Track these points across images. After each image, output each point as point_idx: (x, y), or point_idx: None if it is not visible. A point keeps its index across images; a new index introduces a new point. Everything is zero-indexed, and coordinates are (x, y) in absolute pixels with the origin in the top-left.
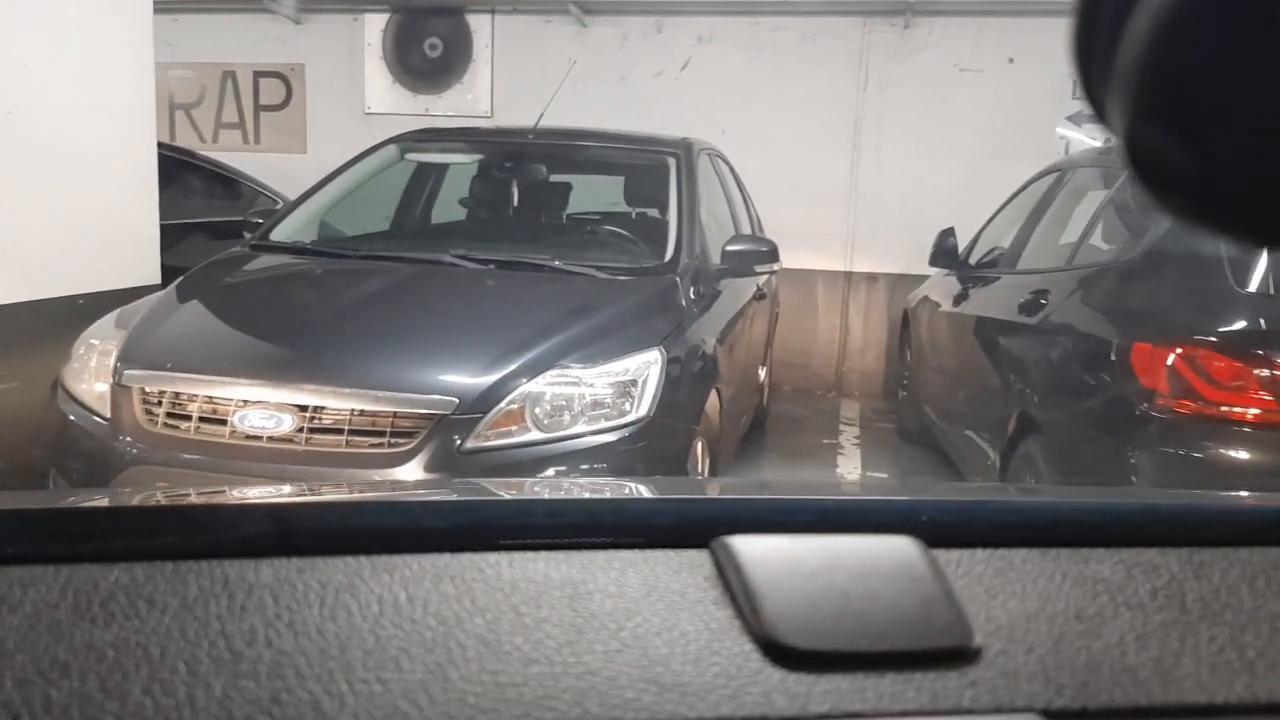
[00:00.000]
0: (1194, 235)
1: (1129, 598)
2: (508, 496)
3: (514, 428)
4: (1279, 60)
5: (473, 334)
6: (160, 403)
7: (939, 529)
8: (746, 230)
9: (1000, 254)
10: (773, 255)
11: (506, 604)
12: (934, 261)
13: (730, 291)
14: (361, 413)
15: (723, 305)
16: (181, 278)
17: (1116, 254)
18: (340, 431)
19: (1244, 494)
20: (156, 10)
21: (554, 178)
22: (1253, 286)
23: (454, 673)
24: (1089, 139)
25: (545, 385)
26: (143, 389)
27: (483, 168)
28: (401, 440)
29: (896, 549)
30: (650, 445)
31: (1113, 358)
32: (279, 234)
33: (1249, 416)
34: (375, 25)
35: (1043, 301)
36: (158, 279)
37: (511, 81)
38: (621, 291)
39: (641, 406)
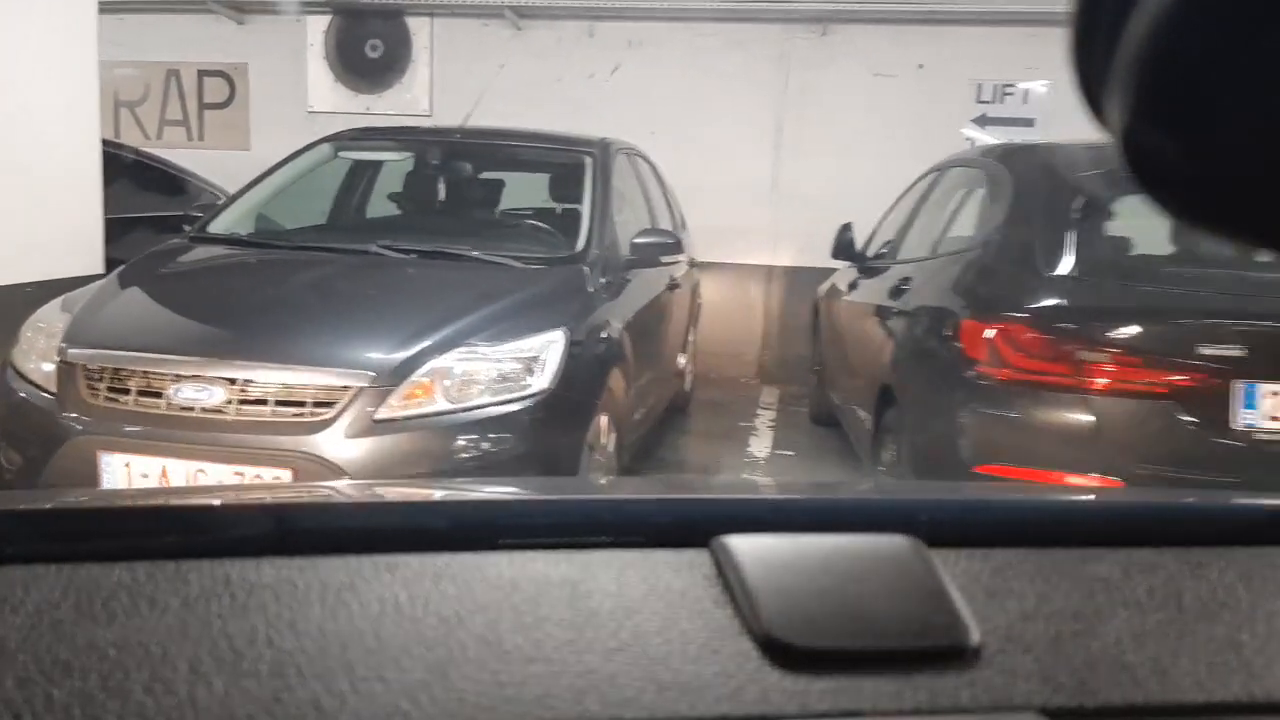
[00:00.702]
0: (1021, 227)
1: (1127, 597)
2: (508, 496)
3: (424, 399)
4: (1278, 60)
5: (390, 316)
6: (102, 378)
7: (938, 528)
8: (666, 224)
9: (887, 246)
10: (677, 247)
11: (507, 603)
12: (835, 254)
13: (640, 281)
14: (285, 385)
15: (631, 293)
16: (123, 266)
17: (964, 244)
18: (266, 403)
19: (1241, 494)
20: (102, 10)
21: (479, 175)
22: (1057, 271)
23: (454, 672)
24: (992, 139)
25: (454, 361)
26: (85, 366)
27: (413, 165)
28: (322, 410)
29: (896, 548)
30: (551, 416)
31: (948, 334)
32: (216, 227)
33: (1051, 380)
34: (317, 26)
35: (905, 288)
36: (101, 269)
37: (451, 81)
38: (532, 278)
39: (543, 381)
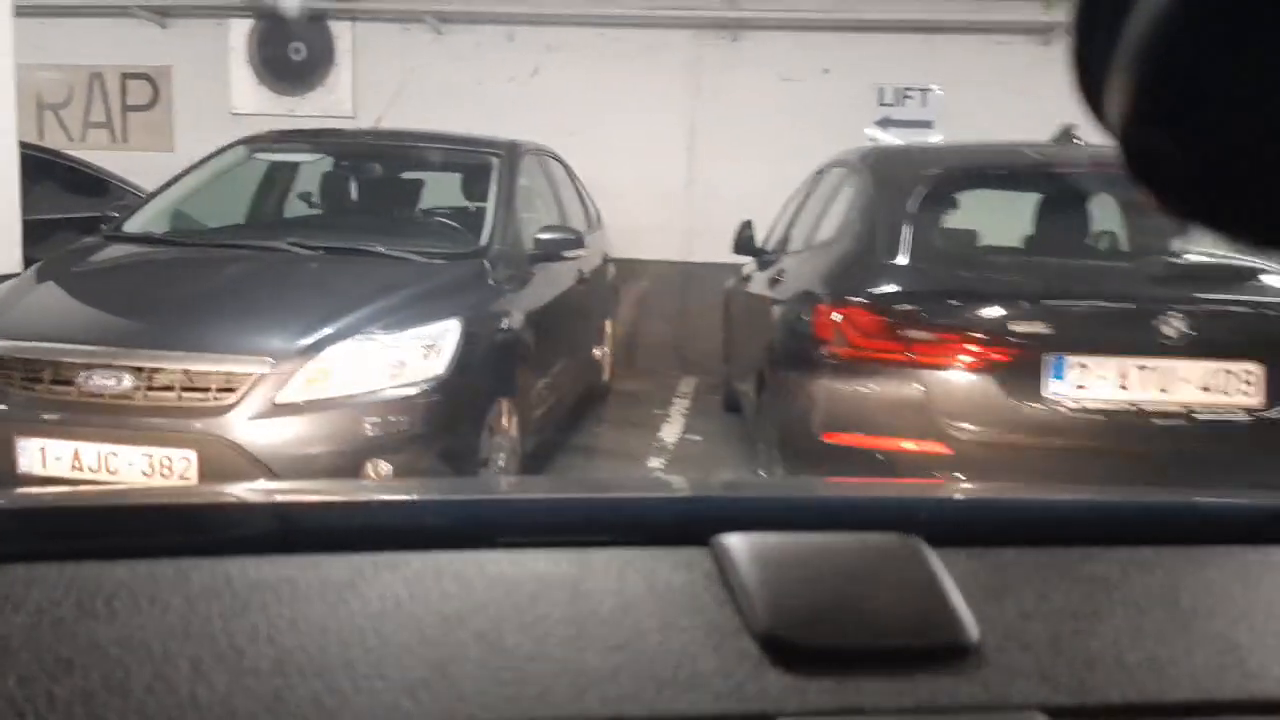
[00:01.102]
0: (868, 221)
1: (1126, 596)
2: (509, 494)
3: (323, 383)
4: (1277, 60)
5: (292, 307)
6: (16, 368)
7: (938, 527)
8: (579, 222)
9: (778, 241)
10: (579, 243)
11: (507, 601)
12: (735, 250)
13: (546, 275)
14: (190, 372)
15: (536, 286)
16: (39, 263)
17: (828, 237)
18: (172, 389)
19: (1240, 493)
20: (24, 14)
21: (390, 175)
22: (894, 260)
23: (455, 669)
24: (894, 140)
25: (352, 348)
26: (1, 356)
27: (326, 166)
28: (225, 395)
29: (896, 547)
30: (448, 400)
31: (805, 318)
32: (131, 226)
33: (886, 357)
34: (240, 30)
35: (779, 279)
36: (19, 268)
37: (374, 84)
38: (434, 272)
39: (439, 367)
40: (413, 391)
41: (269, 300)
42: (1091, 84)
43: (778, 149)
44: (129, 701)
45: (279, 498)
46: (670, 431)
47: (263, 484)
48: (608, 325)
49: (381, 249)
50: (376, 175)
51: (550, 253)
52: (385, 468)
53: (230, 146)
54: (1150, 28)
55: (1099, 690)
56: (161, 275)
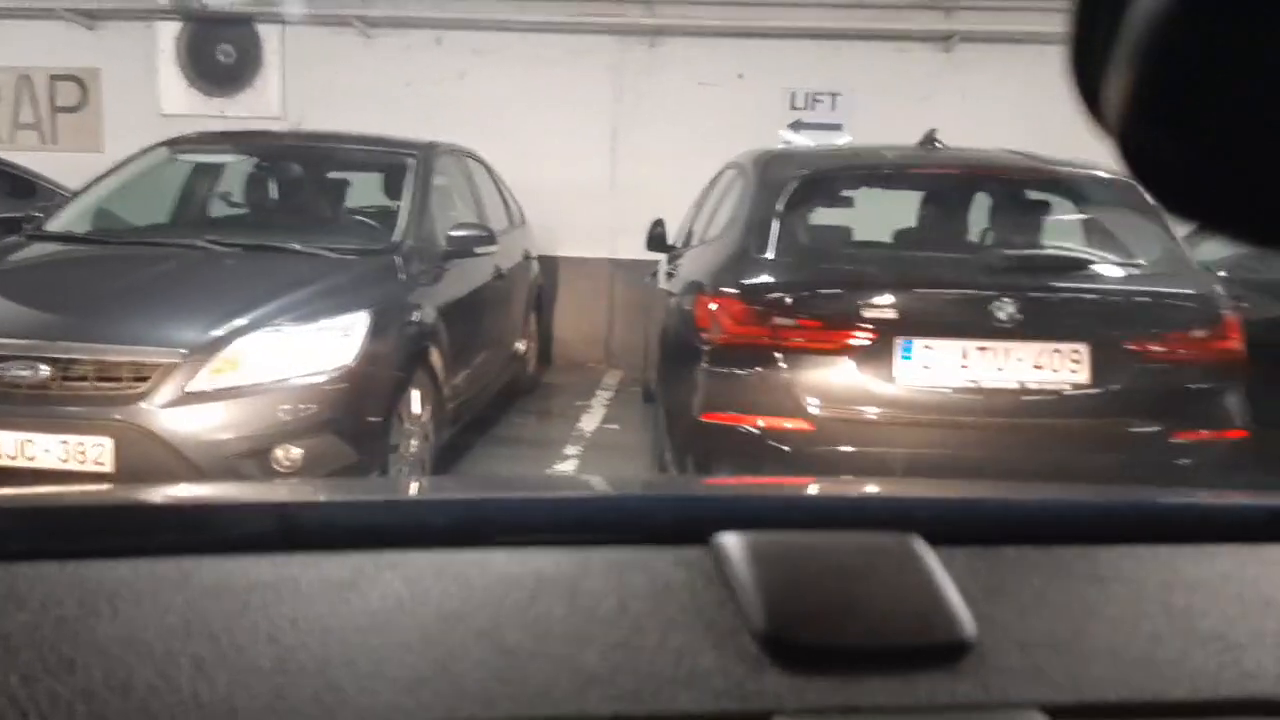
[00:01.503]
0: (747, 217)
1: (1124, 595)
2: (509, 493)
3: (233, 372)
4: (1276, 58)
5: (205, 300)
6: None
7: (937, 526)
8: (501, 220)
9: (684, 238)
10: (491, 239)
11: (508, 600)
12: (648, 247)
13: (460, 270)
14: (104, 362)
15: (449, 281)
16: None
17: (715, 234)
18: (87, 378)
19: (1241, 492)
20: None
21: (309, 174)
22: (764, 254)
23: (456, 668)
24: (806, 142)
25: (262, 338)
26: None
27: (248, 166)
28: (138, 384)
29: (895, 546)
30: (355, 388)
31: (687, 308)
32: (53, 225)
33: (755, 343)
34: (169, 32)
35: (672, 272)
36: None
37: (303, 86)
38: (346, 267)
39: (346, 356)
40: (321, 379)
41: (183, 294)
42: (1088, 84)
43: (696, 150)
44: (131, 700)
45: (280, 497)
46: (590, 421)
47: (264, 483)
48: (532, 320)
49: (296, 246)
50: (295, 175)
51: (463, 249)
52: (295, 452)
53: (152, 148)
54: (1148, 26)
55: (1097, 689)
56: (80, 272)
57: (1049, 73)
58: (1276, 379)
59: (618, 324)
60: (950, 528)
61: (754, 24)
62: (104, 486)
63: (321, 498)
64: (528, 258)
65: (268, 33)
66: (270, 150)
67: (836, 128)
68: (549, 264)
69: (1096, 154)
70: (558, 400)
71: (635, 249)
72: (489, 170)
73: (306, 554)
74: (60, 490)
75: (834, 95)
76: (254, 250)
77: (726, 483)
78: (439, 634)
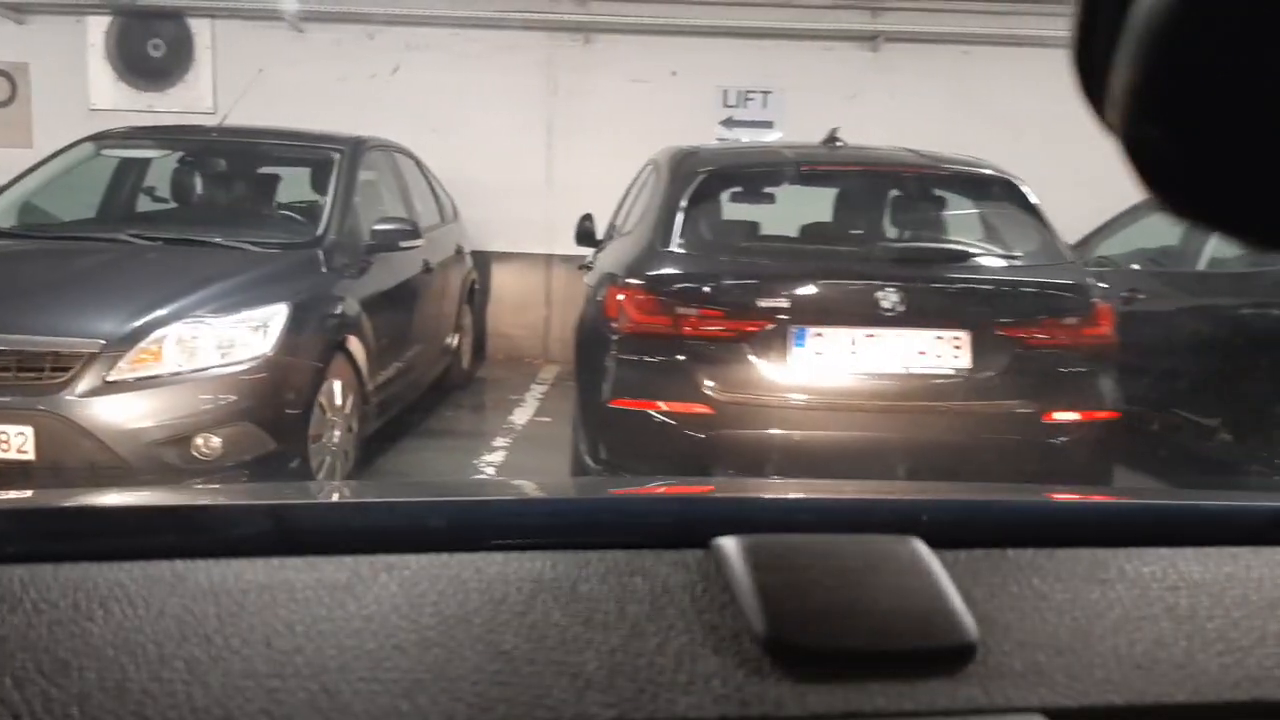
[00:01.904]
0: (656, 211)
1: (1130, 597)
2: (507, 496)
3: (153, 362)
4: (1276, 59)
5: (126, 292)
6: None
7: (939, 529)
8: (432, 215)
9: (609, 232)
10: (415, 234)
11: (506, 603)
12: (577, 241)
13: (385, 264)
14: (24, 353)
15: (374, 274)
16: None
17: (630, 228)
18: (9, 369)
19: (1244, 494)
20: None
21: (234, 169)
22: (669, 247)
23: (453, 672)
24: (739, 139)
25: (181, 329)
26: None
27: (174, 161)
28: (59, 374)
29: (897, 549)
30: (274, 378)
31: (599, 300)
32: None
33: (659, 331)
34: (98, 26)
35: (590, 265)
36: None
37: (235, 80)
38: (267, 260)
39: (265, 347)
40: (239, 370)
41: (105, 287)
42: (1091, 82)
43: (631, 146)
44: (125, 703)
45: (276, 500)
46: (523, 415)
47: (261, 486)
48: (466, 314)
49: (219, 240)
50: (220, 171)
51: (387, 243)
52: (215, 441)
53: (78, 143)
54: (1150, 27)
55: (1099, 692)
56: (3, 265)
57: (972, 72)
58: (1169, 362)
59: (555, 319)
60: (951, 530)
61: (686, 22)
62: (100, 489)
63: (318, 500)
64: (460, 252)
65: (199, 27)
66: (196, 145)
67: (768, 125)
68: (485, 259)
69: (1015, 147)
70: (492, 394)
71: (571, 244)
72: (420, 165)
73: (302, 557)
74: (56, 492)
75: (765, 93)
76: (177, 244)
77: (727, 485)
78: (436, 637)
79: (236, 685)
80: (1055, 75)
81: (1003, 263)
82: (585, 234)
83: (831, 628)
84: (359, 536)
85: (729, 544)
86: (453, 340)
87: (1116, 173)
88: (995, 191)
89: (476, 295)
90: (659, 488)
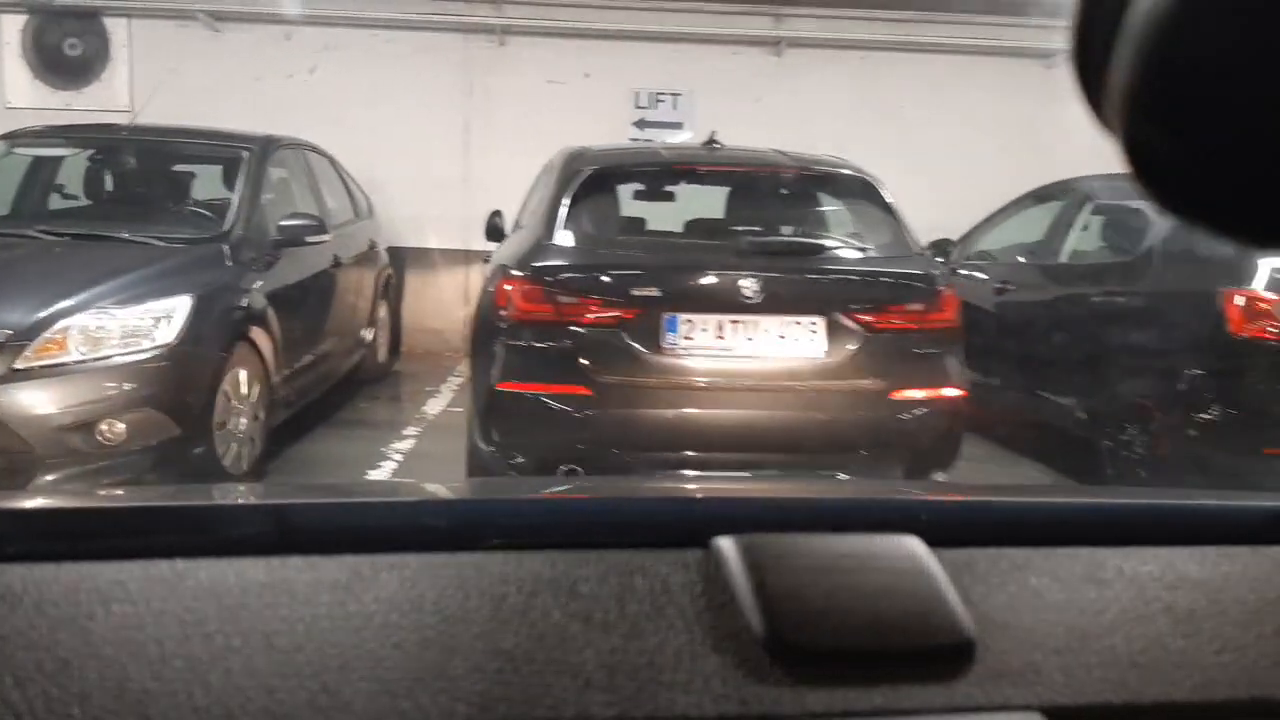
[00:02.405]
0: (545, 207)
1: (1129, 597)
2: (508, 496)
3: (58, 351)
4: (1276, 60)
5: (33, 285)
6: None
7: (939, 528)
8: (346, 213)
9: (513, 227)
10: (321, 229)
11: (506, 603)
12: (487, 237)
13: (293, 259)
14: None
15: (280, 269)
16: None
17: (524, 223)
18: None
19: (1244, 494)
20: None
21: (145, 167)
22: (553, 240)
23: (453, 671)
24: (651, 140)
25: (86, 320)
26: None
27: (86, 159)
28: None
29: (896, 548)
30: (177, 366)
31: (490, 290)
32: None
33: (543, 319)
34: (13, 25)
35: (486, 260)
36: None
37: (152, 79)
38: (173, 254)
39: (168, 336)
40: (143, 358)
41: (12, 280)
42: (1091, 83)
43: (546, 145)
44: (125, 703)
45: (276, 500)
46: (436, 405)
47: (260, 485)
48: (381, 309)
49: (126, 235)
50: (131, 168)
51: (293, 238)
52: (119, 427)
53: None
54: (1149, 28)
55: (1097, 691)
56: None
57: (871, 76)
58: (1035, 347)
59: (472, 313)
60: (950, 530)
61: (599, 26)
62: (101, 489)
63: (318, 500)
64: (374, 248)
65: (115, 26)
66: (108, 144)
67: (678, 126)
68: (404, 255)
69: (912, 146)
70: (408, 387)
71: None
72: (333, 163)
73: (302, 557)
74: (56, 492)
75: (675, 95)
76: (85, 239)
77: (727, 485)
78: (436, 637)
79: (237, 684)
80: (950, 79)
81: (857, 255)
82: (494, 229)
83: (831, 627)
84: (359, 536)
85: (729, 544)
86: (367, 334)
87: (1006, 170)
88: (854, 190)
89: (393, 290)
90: (659, 488)
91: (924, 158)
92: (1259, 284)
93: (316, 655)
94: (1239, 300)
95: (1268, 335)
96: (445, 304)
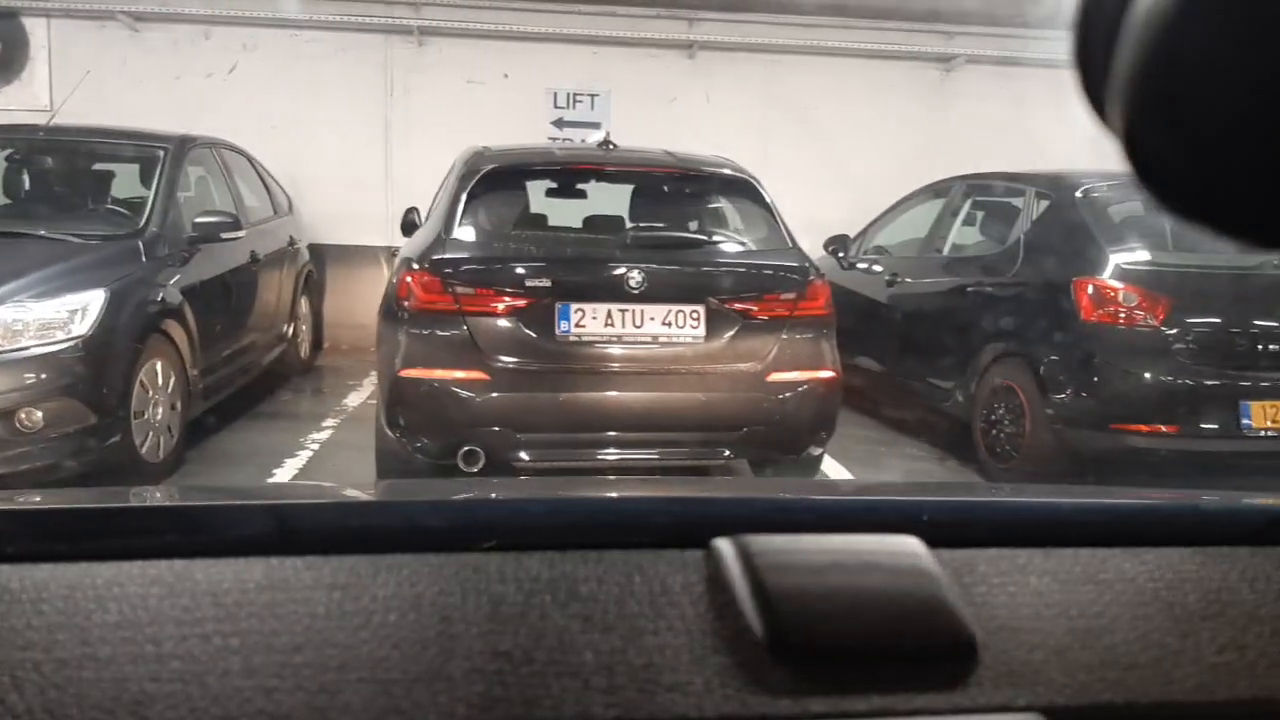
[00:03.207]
0: (447, 203)
1: (1129, 597)
2: (507, 497)
3: None
4: (1275, 60)
5: None
6: None
7: (940, 529)
8: (265, 209)
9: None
10: (236, 226)
11: (505, 604)
12: (403, 232)
13: (208, 254)
14: None
15: (196, 264)
16: None
17: (429, 219)
18: None
19: (1243, 494)
20: None
21: (63, 166)
22: (453, 235)
23: (453, 671)
24: (571, 139)
25: (2, 313)
26: None
27: (5, 159)
28: None
29: (897, 548)
30: (93, 356)
31: (394, 281)
32: None
33: (442, 308)
34: None
35: (394, 254)
36: None
37: (71, 78)
38: (89, 250)
39: (84, 328)
40: (59, 349)
41: None
42: (1093, 84)
43: (466, 143)
44: (124, 703)
45: (276, 500)
46: (355, 399)
47: (260, 485)
48: (302, 304)
49: (43, 232)
50: (48, 167)
51: (209, 234)
52: (36, 415)
53: None
54: (1150, 28)
55: (1102, 692)
56: None
57: (780, 78)
58: (918, 332)
59: None
60: (950, 530)
61: (518, 28)
62: (101, 488)
63: (318, 500)
64: (294, 244)
65: (34, 26)
66: (26, 143)
67: (596, 125)
68: (326, 252)
69: (818, 145)
70: (329, 380)
71: None
72: (251, 161)
73: (303, 556)
74: (56, 493)
75: (593, 96)
76: (2, 237)
77: (727, 485)
78: (435, 638)
79: (236, 685)
80: (855, 81)
81: (736, 248)
82: (409, 225)
83: (831, 627)
84: (359, 536)
85: (729, 544)
86: (288, 329)
87: (909, 168)
88: (735, 189)
89: (315, 286)
90: (659, 488)
91: (832, 156)
92: (1107, 274)
93: (316, 655)
94: (1090, 289)
95: (1114, 320)
96: (368, 300)
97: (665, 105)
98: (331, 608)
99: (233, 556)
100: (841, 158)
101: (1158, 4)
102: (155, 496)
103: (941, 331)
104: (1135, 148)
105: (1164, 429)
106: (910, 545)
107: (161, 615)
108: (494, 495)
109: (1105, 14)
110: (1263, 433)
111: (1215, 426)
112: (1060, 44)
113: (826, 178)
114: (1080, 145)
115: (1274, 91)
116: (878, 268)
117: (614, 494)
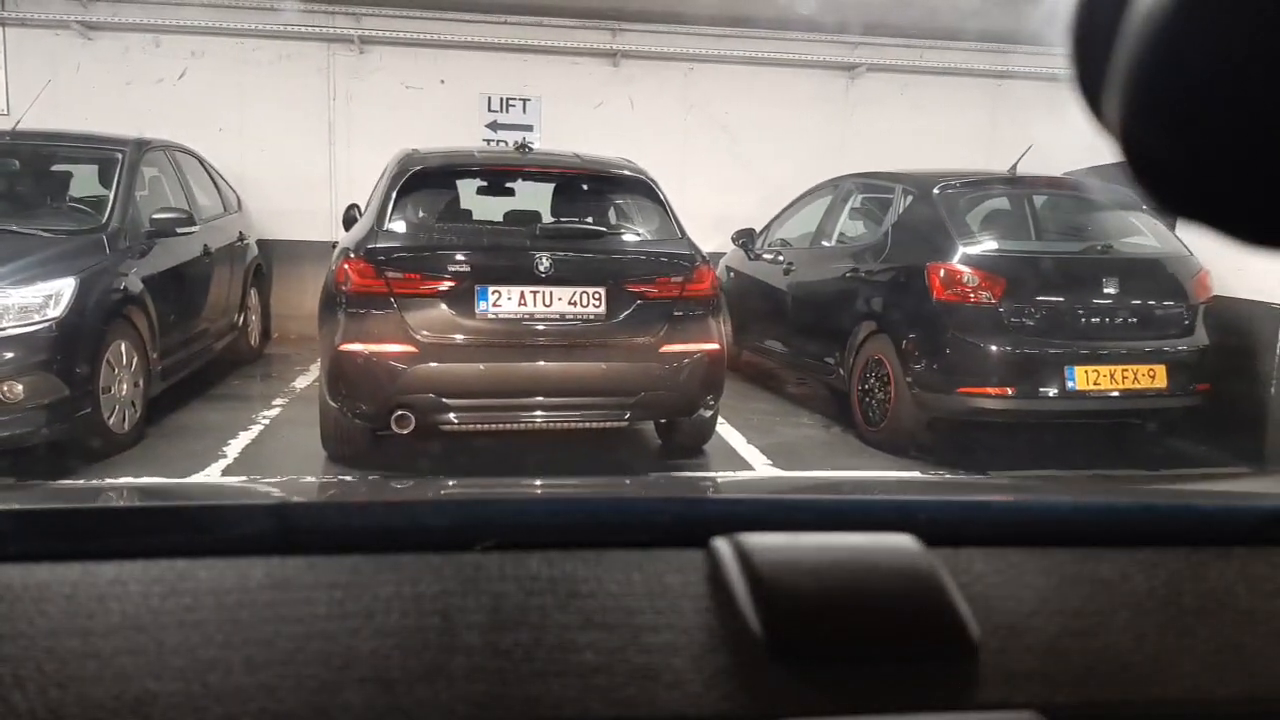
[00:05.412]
0: (380, 199)
1: (1127, 596)
2: (509, 496)
3: None
4: (1274, 59)
5: None
6: None
7: (938, 528)
8: (215, 207)
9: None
10: (190, 221)
11: (508, 603)
12: (344, 227)
13: (165, 249)
14: None
15: (154, 257)
16: None
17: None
18: None
19: (1241, 494)
20: None
21: (28, 168)
22: (385, 226)
23: (454, 670)
24: (505, 141)
25: None
26: None
27: None
28: None
29: (896, 547)
30: (65, 337)
31: (333, 268)
32: None
33: (374, 291)
34: None
35: (333, 246)
36: None
37: (28, 84)
38: (59, 244)
39: (57, 312)
40: (36, 330)
41: None
42: (1090, 85)
43: (406, 144)
44: (125, 703)
45: (277, 499)
46: (303, 382)
47: (262, 484)
48: (252, 295)
49: (15, 228)
50: (16, 169)
51: (165, 229)
52: (18, 387)
53: None
54: (1148, 29)
55: (1100, 690)
56: None
57: (697, 85)
58: (808, 316)
59: None
60: (950, 529)
61: (452, 36)
62: (101, 488)
63: (320, 500)
64: (243, 239)
65: None
66: None
67: (529, 128)
68: (274, 247)
69: (733, 148)
70: (279, 366)
71: None
72: (202, 162)
73: (303, 556)
74: (57, 492)
75: (525, 100)
76: None
77: (727, 485)
78: (436, 637)
79: (238, 684)
80: (766, 88)
81: (633, 238)
82: (350, 220)
83: (830, 627)
84: (359, 536)
85: (728, 544)
86: (238, 318)
87: (816, 169)
88: (634, 187)
89: (264, 279)
90: (659, 488)
91: (745, 157)
92: (955, 259)
93: (318, 654)
94: (941, 272)
95: (961, 299)
96: (314, 291)
97: (592, 110)
98: (333, 607)
99: (235, 556)
100: (754, 158)
101: (1157, 5)
102: (157, 496)
103: (828, 314)
104: (1132, 147)
105: (1003, 391)
106: (908, 544)
107: (163, 614)
108: (495, 495)
109: (1103, 15)
110: (1086, 393)
111: (1046, 388)
112: (953, 53)
113: (740, 177)
114: (973, 146)
115: (1273, 91)
116: (779, 258)
117: (614, 494)
